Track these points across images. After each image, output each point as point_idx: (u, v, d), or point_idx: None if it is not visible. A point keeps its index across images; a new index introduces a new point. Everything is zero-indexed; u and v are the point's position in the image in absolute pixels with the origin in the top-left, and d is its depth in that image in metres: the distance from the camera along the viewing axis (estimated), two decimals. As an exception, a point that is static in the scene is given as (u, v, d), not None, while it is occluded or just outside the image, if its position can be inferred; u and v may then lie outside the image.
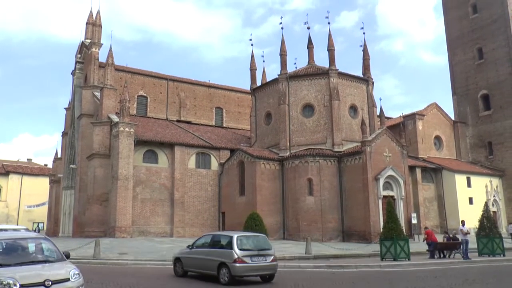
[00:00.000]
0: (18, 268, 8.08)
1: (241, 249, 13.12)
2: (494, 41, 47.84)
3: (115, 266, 18.54)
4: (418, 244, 28.01)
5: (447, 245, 23.33)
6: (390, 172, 32.20)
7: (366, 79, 37.82)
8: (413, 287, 12.99)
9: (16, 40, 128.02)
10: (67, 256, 9.35)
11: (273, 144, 36.55)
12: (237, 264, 12.86)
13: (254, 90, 40.33)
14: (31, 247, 9.14)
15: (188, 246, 15.36)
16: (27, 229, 19.15)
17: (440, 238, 24.74)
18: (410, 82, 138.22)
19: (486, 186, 43.20)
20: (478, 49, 49.30)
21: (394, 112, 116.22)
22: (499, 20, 47.59)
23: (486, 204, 27.86)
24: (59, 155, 48.96)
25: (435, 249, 22.73)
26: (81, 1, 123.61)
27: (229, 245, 13.35)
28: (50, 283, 7.81)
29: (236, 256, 12.88)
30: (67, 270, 8.43)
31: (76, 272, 8.50)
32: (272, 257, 13.61)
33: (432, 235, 22.98)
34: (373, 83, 38.50)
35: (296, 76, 36.82)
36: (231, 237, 13.57)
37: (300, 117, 35.75)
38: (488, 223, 24.49)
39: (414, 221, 33.34)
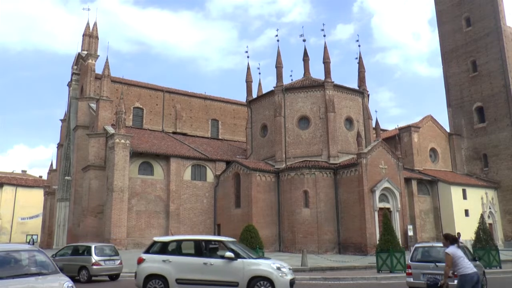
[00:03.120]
0: (11, 281, 7.96)
1: (97, 255, 17.35)
2: (488, 54, 48.30)
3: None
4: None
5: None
6: (386, 184, 32.24)
7: (361, 92, 38.02)
8: (409, 299, 12.89)
9: (13, 52, 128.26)
10: (61, 269, 9.23)
11: (269, 156, 36.54)
12: (94, 267, 17.06)
13: (250, 102, 40.43)
14: (24, 259, 9.02)
15: (52, 255, 17.32)
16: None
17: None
18: (405, 94, 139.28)
19: (482, 198, 43.23)
20: (472, 61, 49.73)
21: (390, 125, 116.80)
22: (492, 33, 48.11)
23: (482, 216, 27.91)
24: (54, 167, 48.74)
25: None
26: (78, 13, 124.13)
27: (88, 253, 17.46)
28: (43, 296, 7.70)
29: (94, 260, 17.04)
30: (61, 282, 8.32)
31: (70, 284, 8.39)
32: (119, 261, 17.89)
33: None
34: (368, 95, 38.71)
35: (292, 88, 36.97)
36: (90, 247, 17.86)
37: (296, 129, 35.82)
38: (484, 235, 24.52)
39: (410, 233, 33.31)
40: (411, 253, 13.71)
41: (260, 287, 11.47)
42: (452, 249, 8.35)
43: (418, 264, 12.96)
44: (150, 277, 12.02)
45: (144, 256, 12.47)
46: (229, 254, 11.83)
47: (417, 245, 14.15)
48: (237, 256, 11.89)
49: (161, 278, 11.93)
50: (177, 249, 12.80)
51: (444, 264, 8.85)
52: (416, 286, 12.74)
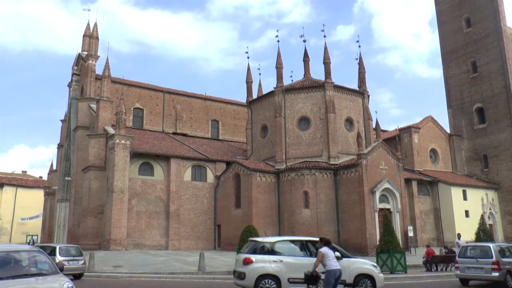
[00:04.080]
0: (11, 281, 7.95)
1: (61, 256, 18.07)
2: (488, 55, 48.31)
3: (110, 279, 18.36)
4: (414, 257, 27.92)
5: (444, 258, 23.26)
6: (386, 185, 32.22)
7: (361, 92, 38.02)
8: (410, 300, 12.93)
9: (13, 53, 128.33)
10: (61, 269, 9.23)
11: (269, 157, 36.53)
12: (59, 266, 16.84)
13: (250, 103, 40.43)
14: (24, 260, 9.01)
15: None
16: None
17: (437, 252, 24.68)
18: (406, 95, 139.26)
19: (482, 199, 43.22)
20: (472, 62, 49.74)
21: (390, 125, 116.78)
22: (492, 34, 48.12)
23: (482, 217, 27.96)
24: (54, 167, 48.77)
25: (432, 262, 22.66)
26: (79, 13, 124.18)
27: (53, 253, 18.01)
28: (43, 296, 7.70)
29: (58, 260, 16.94)
30: (61, 283, 8.31)
31: (70, 285, 8.38)
32: (82, 261, 18.69)
33: (433, 254, 22.88)
34: (368, 96, 38.70)
35: (292, 89, 36.97)
36: (55, 247, 18.80)
37: (296, 130, 35.81)
38: (484, 236, 24.51)
39: (410, 234, 33.28)
40: (458, 251, 17.41)
41: (363, 284, 12.63)
42: (325, 249, 10.33)
43: (463, 260, 16.21)
44: (262, 277, 12.16)
45: (253, 256, 12.49)
46: (337, 253, 12.03)
47: (462, 244, 17.92)
48: (342, 255, 12.69)
49: (274, 278, 12.15)
50: (285, 249, 13.00)
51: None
52: (463, 277, 16.30)
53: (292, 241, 13.56)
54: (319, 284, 10.43)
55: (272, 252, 12.65)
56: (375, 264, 13.86)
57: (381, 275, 13.21)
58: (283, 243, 13.22)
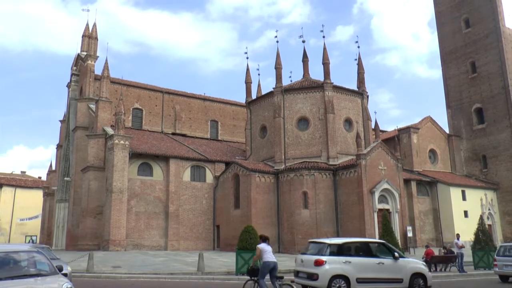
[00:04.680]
0: (9, 282, 7.94)
1: None
2: (487, 55, 48.36)
3: (109, 280, 18.33)
4: (413, 257, 27.89)
5: (443, 258, 23.28)
6: (385, 185, 32.24)
7: (361, 93, 38.03)
8: (409, 300, 12.94)
9: (13, 53, 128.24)
10: (60, 270, 9.23)
11: (268, 157, 36.54)
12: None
13: (249, 103, 40.43)
14: (23, 260, 9.02)
15: None
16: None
17: (437, 252, 24.69)
18: (405, 95, 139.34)
19: (481, 199, 43.24)
20: (471, 63, 49.78)
21: (389, 126, 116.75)
22: (492, 35, 48.18)
23: (481, 217, 27.93)
24: (53, 168, 48.71)
25: (431, 262, 22.67)
26: (78, 14, 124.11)
27: None
28: (42, 297, 7.69)
29: None
30: (60, 283, 8.30)
31: (69, 286, 8.38)
32: None
33: (432, 254, 22.89)
34: (368, 96, 38.72)
35: (291, 89, 36.98)
36: None
37: (295, 130, 35.82)
38: (483, 236, 24.52)
39: (409, 234, 33.32)
40: (497, 250, 18.91)
41: (417, 282, 13.66)
42: (262, 245, 11.86)
43: (501, 258, 17.86)
44: (334, 277, 12.78)
45: (324, 258, 13.06)
46: (397, 254, 13.88)
47: (500, 244, 19.99)
48: (400, 256, 14.00)
49: (344, 278, 12.80)
50: (352, 250, 13.93)
51: None
52: (502, 274, 17.96)
53: (356, 243, 14.66)
54: (260, 277, 11.73)
55: (340, 253, 13.33)
56: (424, 264, 15.26)
57: (430, 273, 14.56)
58: (349, 245, 14.08)
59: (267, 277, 11.81)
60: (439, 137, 48.73)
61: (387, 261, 13.58)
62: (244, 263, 19.28)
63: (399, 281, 13.43)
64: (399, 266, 13.61)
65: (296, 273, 13.98)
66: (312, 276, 12.96)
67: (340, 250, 13.39)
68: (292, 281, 12.46)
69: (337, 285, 12.64)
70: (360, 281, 12.96)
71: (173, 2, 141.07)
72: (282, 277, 12.01)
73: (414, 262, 14.36)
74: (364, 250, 14.13)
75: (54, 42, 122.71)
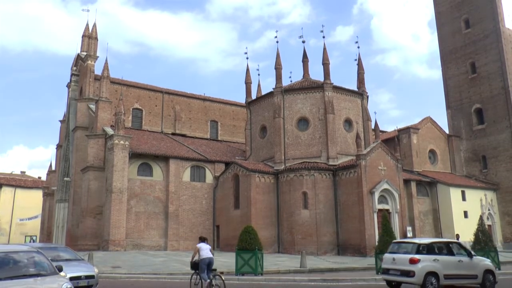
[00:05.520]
0: (9, 282, 7.95)
1: None
2: (487, 55, 48.37)
3: (108, 280, 18.31)
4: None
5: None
6: (385, 186, 32.24)
7: (360, 93, 38.03)
8: (409, 301, 13.02)
9: (13, 53, 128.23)
10: (60, 270, 9.23)
11: (268, 158, 36.54)
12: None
13: (249, 104, 40.43)
14: (23, 260, 9.02)
15: None
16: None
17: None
18: (405, 96, 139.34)
19: (481, 200, 43.25)
20: (471, 63, 49.79)
21: (389, 126, 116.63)
22: (491, 35, 48.19)
23: (481, 218, 27.89)
24: (53, 168, 48.71)
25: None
26: (79, 14, 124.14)
27: None
28: (41, 297, 7.70)
29: None
30: (60, 284, 8.31)
31: (69, 286, 8.39)
32: None
33: None
34: (367, 97, 38.72)
35: (291, 89, 36.98)
36: None
37: (295, 130, 35.82)
38: (483, 236, 24.49)
39: (409, 234, 33.33)
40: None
41: (487, 278, 14.99)
42: (200, 244, 13.90)
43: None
44: (427, 274, 13.98)
45: (418, 256, 14.23)
46: (473, 253, 15.50)
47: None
48: (472, 255, 15.35)
49: (434, 274, 14.06)
50: (437, 249, 15.15)
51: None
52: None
53: (439, 243, 15.93)
54: (200, 270, 13.66)
55: (429, 252, 14.61)
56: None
57: (497, 270, 15.89)
58: (435, 244, 15.36)
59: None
60: (439, 137, 48.73)
61: (465, 259, 15.01)
62: (244, 263, 19.30)
63: (475, 277, 14.89)
64: (474, 264, 15.07)
65: (386, 271, 15.04)
66: (408, 273, 14.10)
67: (429, 249, 14.71)
68: (221, 273, 13.82)
69: (430, 281, 13.86)
70: (446, 277, 14.33)
71: (173, 2, 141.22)
72: (215, 269, 13.76)
73: (485, 260, 15.94)
74: (446, 249, 15.36)
75: (54, 42, 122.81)
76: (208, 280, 13.11)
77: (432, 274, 14.02)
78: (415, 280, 14.01)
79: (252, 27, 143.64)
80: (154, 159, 35.13)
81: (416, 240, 15.49)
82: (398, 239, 18.51)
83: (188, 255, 27.94)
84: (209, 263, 13.53)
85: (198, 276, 13.76)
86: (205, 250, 13.72)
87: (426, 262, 14.14)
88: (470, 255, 15.17)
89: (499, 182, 45.80)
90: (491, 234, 38.13)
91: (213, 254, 13.98)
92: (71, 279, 11.73)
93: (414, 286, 14.58)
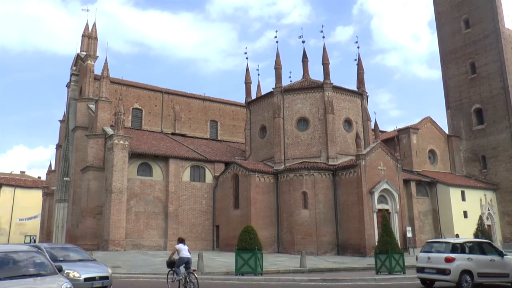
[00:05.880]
0: (8, 282, 7.95)
1: None
2: (487, 56, 48.39)
3: (108, 280, 18.29)
4: (413, 258, 27.90)
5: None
6: (385, 186, 32.23)
7: (360, 93, 38.03)
8: (408, 301, 13.03)
9: (13, 53, 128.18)
10: (59, 270, 9.23)
11: (267, 157, 36.53)
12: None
13: (249, 104, 40.42)
14: (23, 260, 9.01)
15: None
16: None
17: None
18: (405, 96, 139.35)
19: (481, 200, 43.25)
20: (471, 63, 49.80)
21: (389, 126, 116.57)
22: (491, 35, 48.21)
23: (480, 218, 28.04)
24: (53, 168, 48.68)
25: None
26: (79, 14, 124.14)
27: None
28: (41, 297, 7.70)
29: None
30: (59, 284, 8.32)
31: (68, 286, 8.40)
32: None
33: None
34: (367, 97, 38.71)
35: (291, 89, 36.98)
36: None
37: (295, 130, 35.81)
38: (483, 236, 24.54)
39: (409, 234, 33.32)
40: None
41: None
42: (179, 245, 14.80)
43: None
44: (462, 272, 14.61)
45: (453, 255, 14.88)
46: (504, 252, 16.08)
47: None
48: (504, 254, 15.95)
49: (469, 272, 14.70)
50: (470, 249, 15.62)
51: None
52: None
53: (472, 242, 16.50)
54: (176, 267, 14.63)
55: (463, 251, 15.19)
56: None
57: None
58: (468, 244, 15.89)
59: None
60: (439, 137, 48.74)
61: (496, 258, 15.59)
62: (243, 263, 19.28)
63: (506, 275, 15.54)
64: (505, 263, 15.63)
65: (421, 269, 15.67)
66: (444, 271, 14.74)
67: (463, 249, 15.28)
68: (194, 270, 14.81)
69: (465, 279, 14.50)
70: (480, 275, 14.94)
71: (173, 2, 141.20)
72: (190, 267, 14.52)
73: None
74: (478, 248, 15.90)
75: (54, 42, 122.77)
76: (182, 276, 14.21)
77: (467, 272, 14.64)
78: (450, 278, 14.62)
79: (252, 27, 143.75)
80: (154, 159, 35.12)
81: (450, 240, 16.32)
82: (432, 239, 19.19)
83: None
84: (187, 262, 14.39)
85: (175, 274, 14.65)
86: (184, 250, 14.62)
87: (461, 261, 14.77)
88: (501, 254, 15.72)
89: (498, 182, 45.81)
90: (490, 234, 38.25)
91: (190, 254, 14.80)
92: (86, 280, 11.76)
93: (448, 284, 15.11)
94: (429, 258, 15.52)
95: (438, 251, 15.66)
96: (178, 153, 36.57)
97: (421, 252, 16.50)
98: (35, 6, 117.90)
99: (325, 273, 21.09)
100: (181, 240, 15.22)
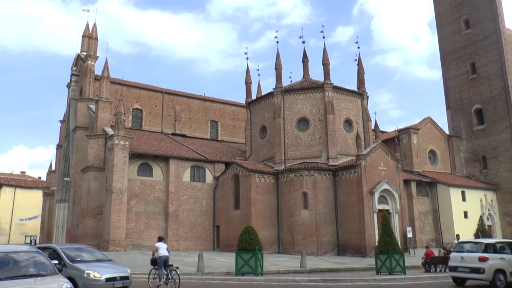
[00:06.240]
0: (9, 282, 7.95)
1: None
2: (487, 56, 48.38)
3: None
4: (413, 258, 27.92)
5: (443, 259, 23.25)
6: (385, 186, 32.22)
7: (361, 93, 38.02)
8: (409, 301, 13.01)
9: (13, 53, 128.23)
10: (60, 270, 9.23)
11: (268, 158, 36.53)
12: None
13: (249, 104, 40.42)
14: (23, 260, 9.01)
15: None
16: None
17: (437, 253, 24.67)
18: (405, 96, 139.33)
19: (481, 200, 43.24)
20: (471, 64, 49.79)
21: (389, 126, 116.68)
22: (491, 36, 48.20)
23: (481, 218, 27.98)
24: (53, 168, 48.69)
25: (431, 263, 22.66)
26: (79, 14, 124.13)
27: None
28: (41, 297, 7.70)
29: None
30: (60, 284, 8.32)
31: (69, 286, 8.40)
32: None
33: (432, 255, 22.88)
34: (368, 97, 38.71)
35: (291, 90, 36.97)
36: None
37: (295, 130, 35.81)
38: (483, 237, 24.49)
39: (409, 235, 33.30)
40: None
41: None
42: (158, 243, 15.37)
43: None
44: (498, 271, 15.09)
45: (487, 255, 15.28)
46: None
47: None
48: None
49: (502, 272, 15.13)
50: (501, 249, 16.08)
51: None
52: None
53: (502, 242, 17.00)
54: (158, 265, 15.14)
55: (495, 251, 15.65)
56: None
57: None
58: (499, 244, 16.41)
59: None
60: (439, 137, 48.74)
61: None
62: (244, 264, 19.29)
63: None
64: None
65: (454, 268, 16.20)
66: (478, 270, 15.14)
67: (495, 249, 15.75)
68: (177, 267, 15.29)
69: (498, 278, 14.92)
70: None
71: (173, 2, 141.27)
72: (172, 265, 15.19)
73: None
74: (509, 248, 16.27)
75: (54, 42, 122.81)
76: (165, 276, 14.78)
77: (500, 271, 15.05)
78: (484, 276, 15.01)
79: (252, 27, 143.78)
80: (154, 159, 35.12)
81: (483, 240, 16.78)
82: (464, 239, 19.78)
83: (188, 256, 28.05)
84: (165, 260, 15.06)
85: (157, 272, 15.20)
86: (162, 248, 15.20)
87: (495, 260, 15.19)
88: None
89: (499, 183, 45.80)
90: (491, 234, 38.21)
91: (169, 252, 15.49)
92: (107, 280, 11.85)
93: (481, 283, 15.54)
94: (462, 257, 15.93)
95: (471, 251, 16.02)
96: (178, 153, 36.56)
97: (453, 252, 17.16)
98: (35, 6, 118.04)
99: (326, 273, 21.09)
100: (160, 239, 15.70)
